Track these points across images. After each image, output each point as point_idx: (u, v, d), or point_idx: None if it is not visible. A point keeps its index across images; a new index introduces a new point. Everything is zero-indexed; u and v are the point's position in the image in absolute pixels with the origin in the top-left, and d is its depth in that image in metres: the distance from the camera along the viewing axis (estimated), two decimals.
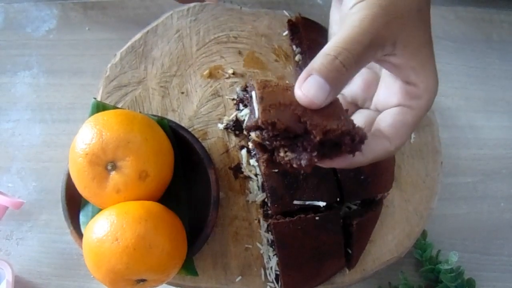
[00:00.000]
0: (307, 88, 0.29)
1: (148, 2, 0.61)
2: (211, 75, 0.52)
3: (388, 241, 0.50)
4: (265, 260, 0.48)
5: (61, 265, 0.54)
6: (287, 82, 0.33)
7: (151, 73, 0.52)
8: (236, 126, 0.50)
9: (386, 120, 0.34)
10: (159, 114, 0.50)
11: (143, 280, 0.38)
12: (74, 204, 0.44)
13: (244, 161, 0.49)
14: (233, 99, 0.51)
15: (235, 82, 0.52)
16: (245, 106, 0.50)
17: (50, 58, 0.59)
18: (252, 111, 0.31)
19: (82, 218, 0.44)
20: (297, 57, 0.52)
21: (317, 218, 0.44)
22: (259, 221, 0.49)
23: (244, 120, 0.50)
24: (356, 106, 0.40)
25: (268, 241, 0.48)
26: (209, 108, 0.51)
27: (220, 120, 0.51)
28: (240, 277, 0.48)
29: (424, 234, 0.54)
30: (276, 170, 0.44)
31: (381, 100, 0.36)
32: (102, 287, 0.42)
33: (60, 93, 0.58)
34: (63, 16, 0.61)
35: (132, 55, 0.52)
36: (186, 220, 0.45)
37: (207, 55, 0.52)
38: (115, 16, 0.61)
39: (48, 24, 0.61)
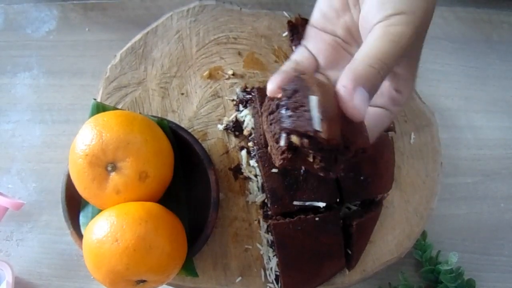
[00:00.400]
0: (359, 102, 0.30)
1: (148, 3, 0.61)
2: (211, 76, 0.52)
3: (388, 241, 0.50)
4: (265, 261, 0.48)
5: (61, 266, 0.54)
6: (323, 80, 0.32)
7: (151, 74, 0.52)
8: (236, 127, 0.50)
9: (368, 119, 0.35)
10: (159, 115, 0.50)
11: (143, 281, 0.38)
12: (74, 205, 0.44)
13: (244, 162, 0.49)
14: (233, 100, 0.51)
15: (235, 83, 0.52)
16: (245, 107, 0.50)
17: (50, 59, 0.59)
18: (296, 113, 0.30)
19: (82, 219, 0.44)
20: None
21: (317, 218, 0.44)
22: (259, 222, 0.49)
23: (243, 121, 0.50)
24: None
25: (268, 241, 0.48)
26: (209, 109, 0.51)
27: (220, 121, 0.51)
28: (240, 278, 0.48)
29: (424, 234, 0.54)
30: (276, 170, 0.44)
31: None
32: None
33: (60, 94, 0.58)
34: (63, 17, 0.61)
35: (132, 56, 0.52)
36: (186, 221, 0.45)
37: (207, 56, 0.52)
38: (115, 17, 0.61)
39: (48, 25, 0.61)
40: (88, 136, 0.38)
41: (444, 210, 0.57)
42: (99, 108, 0.44)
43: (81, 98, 0.58)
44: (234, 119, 0.50)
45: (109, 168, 0.38)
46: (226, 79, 0.52)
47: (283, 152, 0.30)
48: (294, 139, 0.29)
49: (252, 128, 0.49)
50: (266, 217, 0.47)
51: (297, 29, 0.53)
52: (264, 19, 0.54)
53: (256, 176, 0.48)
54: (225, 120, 0.51)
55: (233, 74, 0.52)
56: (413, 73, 0.36)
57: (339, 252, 0.46)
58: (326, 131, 0.28)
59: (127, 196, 0.39)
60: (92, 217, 0.41)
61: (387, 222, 0.50)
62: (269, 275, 0.47)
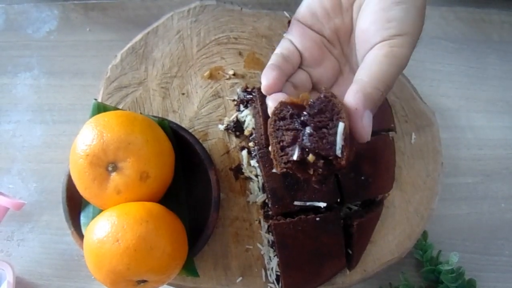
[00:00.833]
0: (367, 124, 0.31)
1: (149, 3, 0.61)
2: (211, 76, 0.52)
3: (388, 241, 0.50)
4: (266, 261, 0.48)
5: (62, 266, 0.54)
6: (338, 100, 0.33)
7: (152, 74, 0.52)
8: (237, 127, 0.50)
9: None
10: (160, 115, 0.51)
11: (144, 281, 0.38)
12: (75, 205, 0.44)
13: (244, 162, 0.49)
14: (234, 100, 0.51)
15: (236, 83, 0.52)
16: (246, 107, 0.50)
17: (50, 59, 0.59)
18: (318, 134, 0.30)
19: (83, 219, 0.44)
20: None
21: (317, 219, 0.44)
22: (259, 222, 0.49)
23: (244, 121, 0.50)
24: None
25: (268, 242, 0.48)
26: (210, 109, 0.51)
27: (220, 121, 0.51)
28: (240, 278, 0.48)
29: (424, 234, 0.54)
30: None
31: None
32: None
33: (60, 94, 0.58)
34: (63, 17, 0.61)
35: (133, 56, 0.52)
36: (186, 221, 0.45)
37: (207, 56, 0.52)
38: (115, 17, 0.61)
39: (48, 25, 0.61)
40: (89, 136, 0.38)
41: (445, 210, 0.57)
42: (100, 108, 0.44)
43: (81, 98, 0.58)
44: (235, 119, 0.50)
45: (110, 168, 0.38)
46: (227, 79, 0.52)
47: (288, 162, 0.31)
48: (311, 157, 0.30)
49: (253, 128, 0.49)
50: (266, 217, 0.47)
51: None
52: (265, 19, 0.54)
53: (257, 176, 0.49)
54: (226, 120, 0.51)
55: (234, 74, 0.52)
56: None
57: (339, 252, 0.46)
58: (346, 159, 0.29)
59: (128, 196, 0.39)
60: (93, 217, 0.41)
61: (387, 222, 0.50)
62: (270, 275, 0.47)
